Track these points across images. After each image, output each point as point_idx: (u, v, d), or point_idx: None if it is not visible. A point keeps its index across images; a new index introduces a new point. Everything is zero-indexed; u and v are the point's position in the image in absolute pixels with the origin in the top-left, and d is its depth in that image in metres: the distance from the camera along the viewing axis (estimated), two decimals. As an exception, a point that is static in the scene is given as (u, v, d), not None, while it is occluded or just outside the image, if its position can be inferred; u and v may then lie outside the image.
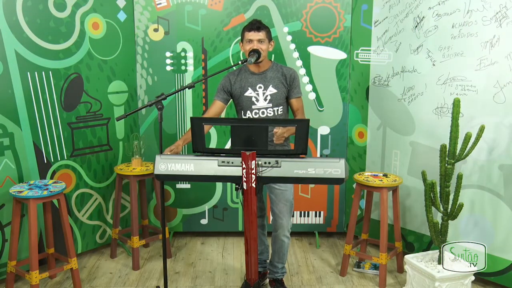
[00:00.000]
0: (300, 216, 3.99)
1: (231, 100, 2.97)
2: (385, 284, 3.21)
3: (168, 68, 3.79)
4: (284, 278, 3.14)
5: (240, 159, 2.21)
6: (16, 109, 3.09)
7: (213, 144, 3.89)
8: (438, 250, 2.95)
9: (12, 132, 3.09)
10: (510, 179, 2.96)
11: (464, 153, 2.79)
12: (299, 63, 3.76)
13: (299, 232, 4.07)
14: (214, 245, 3.91)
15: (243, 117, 2.89)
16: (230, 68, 2.97)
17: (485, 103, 3.00)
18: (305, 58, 3.76)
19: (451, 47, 3.13)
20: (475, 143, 2.77)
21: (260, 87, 2.85)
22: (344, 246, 3.36)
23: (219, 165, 2.27)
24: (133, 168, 3.49)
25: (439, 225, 2.91)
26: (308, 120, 2.25)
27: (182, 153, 2.89)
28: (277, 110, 2.86)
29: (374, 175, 3.36)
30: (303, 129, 2.22)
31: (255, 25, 2.77)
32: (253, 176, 2.21)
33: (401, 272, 3.40)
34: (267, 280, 3.20)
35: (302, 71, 3.76)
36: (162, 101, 2.54)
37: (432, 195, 2.87)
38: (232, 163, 2.26)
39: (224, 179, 2.33)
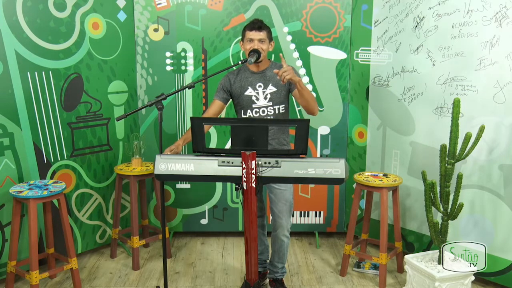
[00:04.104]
0: (300, 216, 3.99)
1: (231, 100, 2.97)
2: (385, 284, 3.21)
3: (168, 68, 3.79)
4: (284, 278, 3.14)
5: (240, 159, 2.21)
6: (16, 109, 3.09)
7: (213, 144, 3.90)
8: (438, 250, 2.95)
9: (12, 132, 3.09)
10: (510, 179, 2.96)
11: (464, 153, 2.79)
12: (299, 63, 3.76)
13: (299, 232, 4.07)
14: (214, 245, 3.91)
15: (243, 116, 2.89)
16: (230, 68, 2.97)
17: (485, 103, 3.00)
18: (305, 58, 3.76)
19: (451, 47, 3.13)
20: (475, 143, 2.77)
21: (260, 86, 2.85)
22: (344, 246, 3.36)
23: (219, 165, 2.27)
24: (133, 168, 3.49)
25: (439, 225, 2.91)
26: (308, 120, 2.25)
27: (182, 153, 2.89)
28: (278, 108, 2.86)
29: (374, 175, 3.36)
30: (303, 129, 2.22)
31: (257, 24, 2.78)
32: (253, 176, 2.21)
33: (401, 272, 3.40)
34: (267, 280, 3.20)
35: (302, 71, 3.76)
36: (162, 101, 2.54)
37: (432, 195, 2.87)
38: (232, 163, 2.26)
39: (224, 179, 2.33)
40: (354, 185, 3.54)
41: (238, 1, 3.69)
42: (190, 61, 3.78)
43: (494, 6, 2.90)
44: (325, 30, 3.72)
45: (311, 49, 3.75)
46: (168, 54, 3.77)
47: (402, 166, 3.55)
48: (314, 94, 3.79)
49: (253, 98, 2.85)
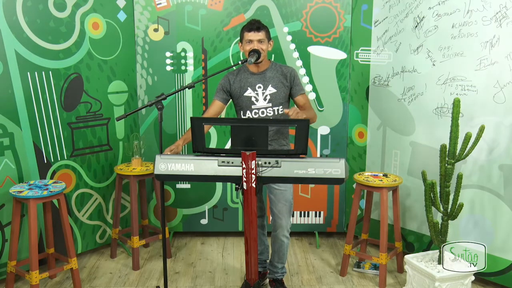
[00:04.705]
0: (300, 216, 3.99)
1: (231, 100, 2.97)
2: (385, 284, 3.21)
3: (168, 68, 3.79)
4: (284, 278, 3.14)
5: (240, 159, 2.21)
6: (16, 109, 3.09)
7: (213, 144, 3.90)
8: (438, 250, 2.95)
9: (12, 132, 3.09)
10: (510, 179, 2.96)
11: (464, 153, 2.79)
12: (299, 63, 3.76)
13: (299, 232, 4.07)
14: (214, 245, 3.91)
15: (243, 117, 2.89)
16: (230, 68, 2.97)
17: (485, 103, 3.00)
18: (305, 58, 3.75)
19: (451, 47, 3.13)
20: (475, 143, 2.77)
21: (259, 87, 2.85)
22: (344, 246, 3.35)
23: (219, 165, 2.27)
24: (133, 168, 3.49)
25: (439, 225, 2.91)
26: (308, 120, 2.25)
27: (182, 153, 2.89)
28: (277, 109, 2.86)
29: (374, 175, 3.36)
30: (303, 129, 2.22)
31: (255, 25, 2.77)
32: (253, 176, 2.21)
33: (401, 272, 3.40)
34: (267, 280, 3.20)
35: (302, 71, 3.76)
36: (162, 101, 2.54)
37: (432, 195, 2.87)
38: (232, 163, 2.26)
39: (224, 179, 2.33)
40: (354, 185, 3.54)
41: (238, 1, 3.69)
42: (190, 61, 3.78)
43: (494, 6, 2.90)
44: (325, 30, 3.72)
45: (311, 49, 3.75)
46: (168, 54, 3.77)
47: (402, 166, 3.55)
48: (314, 95, 3.80)
49: (253, 99, 2.85)
